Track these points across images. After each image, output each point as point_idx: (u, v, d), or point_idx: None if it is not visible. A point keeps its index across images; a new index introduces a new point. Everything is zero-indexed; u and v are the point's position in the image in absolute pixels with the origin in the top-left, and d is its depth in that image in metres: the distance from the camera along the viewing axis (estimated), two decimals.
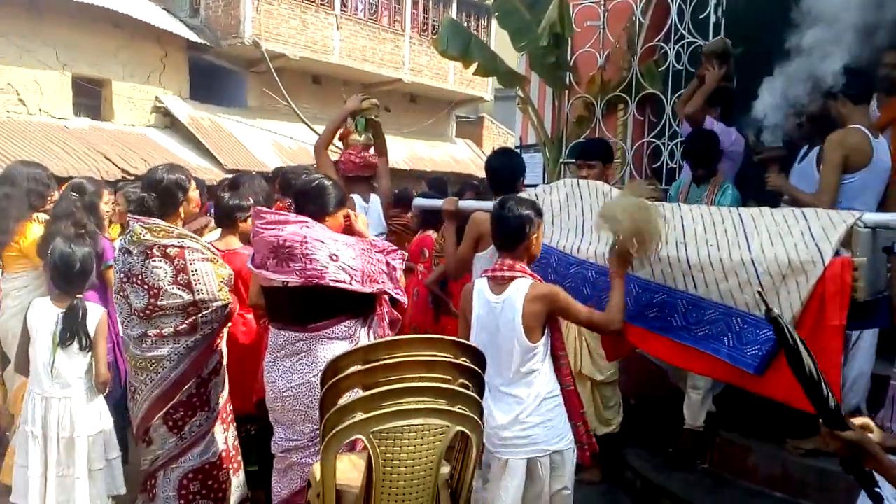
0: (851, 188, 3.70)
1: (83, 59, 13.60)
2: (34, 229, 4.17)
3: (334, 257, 2.97)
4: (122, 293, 3.33)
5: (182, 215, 3.47)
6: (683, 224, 3.04)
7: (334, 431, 2.41)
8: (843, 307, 2.48)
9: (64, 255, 3.59)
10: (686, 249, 2.94)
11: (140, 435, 3.39)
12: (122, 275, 3.31)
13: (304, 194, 3.24)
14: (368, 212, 4.21)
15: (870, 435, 1.78)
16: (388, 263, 3.14)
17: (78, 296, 3.61)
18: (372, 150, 4.54)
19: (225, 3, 15.55)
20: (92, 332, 3.58)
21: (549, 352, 2.95)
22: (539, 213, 3.02)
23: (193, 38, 15.00)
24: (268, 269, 3.01)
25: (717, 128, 4.51)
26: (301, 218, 3.09)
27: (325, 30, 17.04)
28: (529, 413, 2.86)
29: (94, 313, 3.63)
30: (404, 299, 3.32)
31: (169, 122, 14.92)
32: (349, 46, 17.58)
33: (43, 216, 4.27)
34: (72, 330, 3.51)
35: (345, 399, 2.55)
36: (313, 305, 3.05)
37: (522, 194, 3.77)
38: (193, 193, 3.51)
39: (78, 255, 3.60)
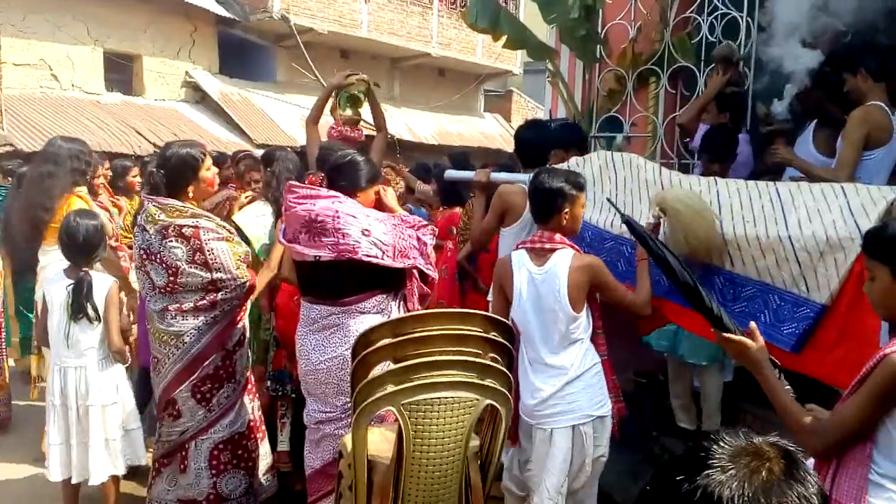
0: (871, 164, 3.66)
1: (114, 34, 13.70)
2: (76, 203, 4.23)
3: (366, 232, 3.00)
4: (143, 269, 3.35)
5: (191, 195, 3.37)
6: (720, 199, 2.99)
7: (365, 403, 2.43)
8: None
9: (69, 228, 3.58)
10: (722, 225, 2.90)
11: (163, 406, 3.42)
12: (141, 251, 3.33)
13: (337, 169, 3.27)
14: None
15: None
16: (418, 238, 3.17)
17: (85, 268, 3.59)
18: (366, 125, 4.74)
19: None
20: (101, 304, 3.57)
21: (591, 322, 3.00)
22: (577, 186, 3.01)
23: (222, 12, 15.01)
24: (300, 244, 3.06)
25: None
26: (333, 193, 3.13)
27: (353, 3, 16.96)
28: (573, 381, 2.91)
29: (103, 284, 3.60)
30: (434, 274, 3.34)
31: (199, 96, 15.01)
32: (377, 20, 17.49)
33: (83, 190, 4.35)
34: (79, 302, 3.51)
35: (375, 372, 2.57)
36: (345, 280, 3.08)
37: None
38: (206, 173, 3.40)
39: (82, 228, 3.56)
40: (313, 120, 4.59)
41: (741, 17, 4.90)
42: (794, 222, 2.67)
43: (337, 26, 16.48)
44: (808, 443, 1.97)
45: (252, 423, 3.59)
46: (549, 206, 2.98)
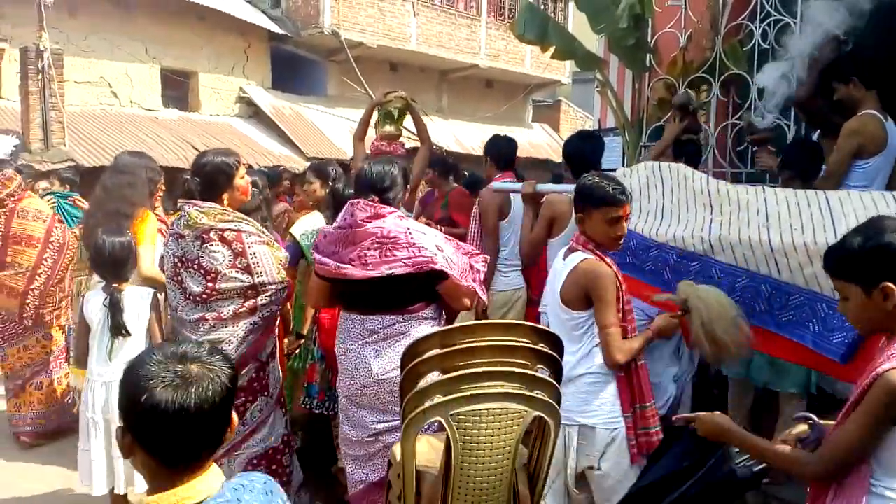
0: (868, 172, 3.75)
1: (170, 52, 14.10)
2: (151, 219, 4.27)
3: (439, 248, 3.06)
4: (176, 278, 3.29)
5: (226, 202, 3.35)
6: (767, 207, 2.97)
7: (414, 414, 2.46)
8: None
9: (96, 245, 3.63)
10: (769, 233, 2.87)
11: None
12: (175, 259, 3.28)
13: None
14: None
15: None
16: (471, 266, 3.19)
17: (115, 285, 3.61)
18: (407, 139, 5.02)
19: None
20: (142, 316, 3.58)
21: (594, 329, 2.92)
22: (606, 197, 2.87)
23: (275, 29, 15.33)
24: (366, 261, 3.01)
25: None
26: (391, 209, 3.12)
27: (402, 17, 17.14)
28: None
29: (141, 297, 3.64)
30: (485, 298, 3.42)
31: (252, 111, 15.32)
32: (426, 33, 17.63)
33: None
34: (116, 319, 3.53)
35: (424, 383, 2.60)
36: (408, 291, 3.10)
37: None
38: (240, 181, 3.40)
39: (108, 245, 3.59)
40: (359, 137, 4.87)
41: (794, 23, 4.83)
42: (843, 230, 2.62)
43: (386, 40, 16.67)
44: (807, 472, 1.99)
45: (285, 437, 3.51)
46: (574, 211, 2.99)
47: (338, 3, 15.70)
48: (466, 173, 8.15)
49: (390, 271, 2.99)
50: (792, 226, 2.82)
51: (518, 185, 4.24)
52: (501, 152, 4.89)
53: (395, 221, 3.07)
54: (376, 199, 3.11)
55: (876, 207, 2.63)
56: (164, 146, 12.59)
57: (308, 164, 7.88)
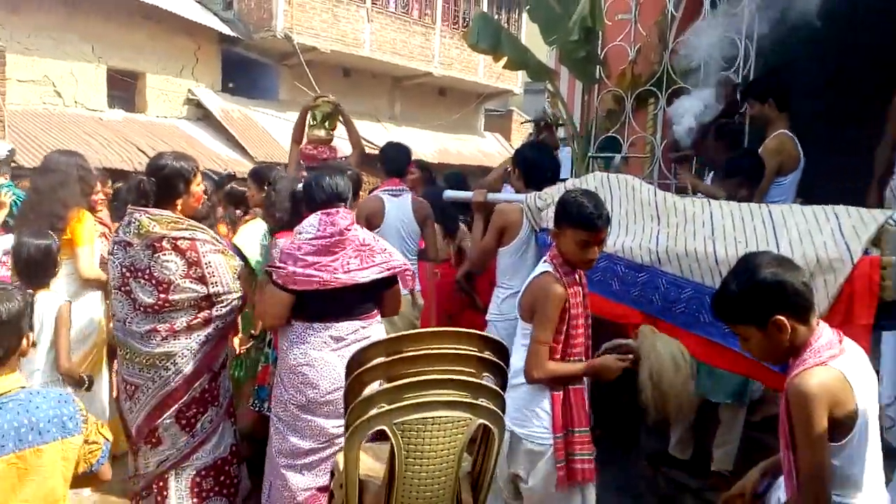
0: (784, 187, 4.10)
1: (118, 51, 13.79)
2: (88, 218, 4.14)
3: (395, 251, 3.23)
4: (123, 288, 3.16)
5: (179, 208, 3.26)
6: (713, 220, 3.02)
7: (358, 422, 2.43)
8: (871, 306, 2.45)
9: (15, 246, 3.50)
10: (714, 245, 2.92)
11: (142, 436, 3.22)
12: (123, 269, 3.15)
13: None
14: None
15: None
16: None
17: (31, 289, 3.39)
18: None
19: None
20: (51, 324, 3.43)
21: None
22: (581, 218, 2.74)
23: (226, 31, 15.13)
24: (348, 271, 3.08)
25: None
26: (346, 214, 3.21)
27: (356, 23, 17.09)
28: (508, 389, 2.78)
29: (52, 305, 3.48)
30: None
31: (201, 114, 15.08)
32: (380, 39, 17.61)
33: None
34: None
35: (369, 391, 2.57)
36: (369, 296, 3.22)
37: (550, 188, 3.77)
38: (196, 188, 3.33)
39: (26, 248, 3.46)
40: (294, 140, 5.00)
41: (739, 40, 4.95)
42: (785, 244, 2.69)
43: (340, 45, 16.60)
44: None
45: (233, 448, 3.43)
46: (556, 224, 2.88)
47: (291, 6, 15.58)
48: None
49: (377, 276, 3.13)
50: (736, 239, 2.87)
51: (469, 194, 4.24)
52: (391, 158, 4.92)
53: (362, 229, 3.23)
54: (343, 206, 3.18)
55: (817, 221, 2.70)
56: (108, 147, 12.29)
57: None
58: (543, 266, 2.87)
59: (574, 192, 2.86)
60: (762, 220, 2.88)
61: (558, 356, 2.81)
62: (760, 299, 1.99)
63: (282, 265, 3.06)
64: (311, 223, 3.13)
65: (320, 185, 3.22)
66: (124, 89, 14.31)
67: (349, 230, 3.10)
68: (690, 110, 4.83)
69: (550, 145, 4.83)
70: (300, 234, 3.13)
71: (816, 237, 2.63)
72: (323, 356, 3.12)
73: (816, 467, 1.90)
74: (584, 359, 2.86)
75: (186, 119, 14.93)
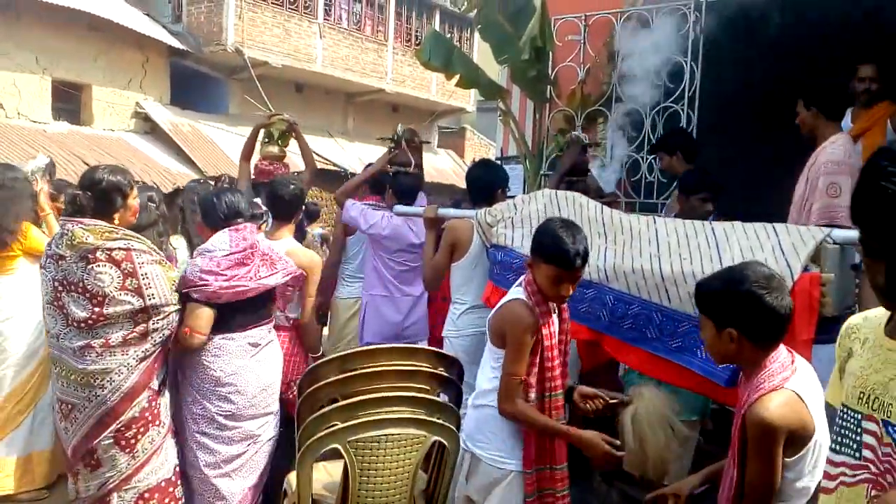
0: None
1: (63, 63, 13.49)
2: (33, 231, 4.12)
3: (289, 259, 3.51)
4: (56, 303, 3.07)
5: (116, 221, 3.23)
6: (658, 237, 3.09)
7: (311, 441, 2.42)
8: (811, 322, 2.53)
9: None
10: (660, 262, 2.98)
11: (78, 457, 3.12)
12: (55, 283, 3.07)
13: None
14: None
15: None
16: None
17: None
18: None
19: (207, 10, 15.50)
20: None
21: None
22: (536, 248, 2.69)
23: (175, 43, 14.92)
24: (260, 278, 3.31)
25: None
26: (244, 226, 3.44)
27: (308, 38, 17.04)
28: (472, 404, 2.78)
29: None
30: None
31: (149, 127, 14.82)
32: (332, 55, 17.59)
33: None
34: None
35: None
36: (267, 300, 3.46)
37: (500, 204, 3.81)
38: (133, 201, 3.32)
39: None
40: (244, 157, 5.00)
41: (685, 62, 5.10)
42: (728, 260, 2.76)
43: (291, 60, 16.52)
44: None
45: (177, 469, 3.32)
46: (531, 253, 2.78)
47: (241, 21, 15.47)
48: None
49: (282, 280, 3.41)
50: (681, 255, 2.94)
51: (420, 210, 4.27)
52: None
53: (262, 239, 3.51)
54: (243, 221, 3.42)
55: (758, 238, 2.78)
56: (55, 161, 11.99)
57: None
58: (515, 291, 2.74)
59: (554, 221, 2.73)
60: (706, 236, 2.96)
61: (534, 391, 2.67)
62: (727, 305, 2.09)
63: (204, 282, 3.16)
64: (223, 240, 3.28)
65: (221, 203, 3.41)
66: (69, 101, 13.98)
67: (257, 242, 3.37)
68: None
69: (405, 164, 4.85)
70: (212, 251, 3.24)
71: (758, 254, 2.71)
72: (245, 363, 3.31)
73: (765, 486, 1.98)
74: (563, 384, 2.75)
75: (134, 132, 14.65)
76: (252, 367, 3.32)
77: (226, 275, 3.19)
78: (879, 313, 1.59)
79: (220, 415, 3.27)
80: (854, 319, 1.70)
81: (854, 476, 1.54)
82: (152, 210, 4.00)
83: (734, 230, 2.89)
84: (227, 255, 3.22)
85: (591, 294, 3.17)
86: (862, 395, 1.54)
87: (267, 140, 5.07)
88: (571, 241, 2.58)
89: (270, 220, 4.16)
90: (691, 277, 2.84)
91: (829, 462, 1.64)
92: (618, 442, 2.60)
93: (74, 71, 13.72)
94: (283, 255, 3.55)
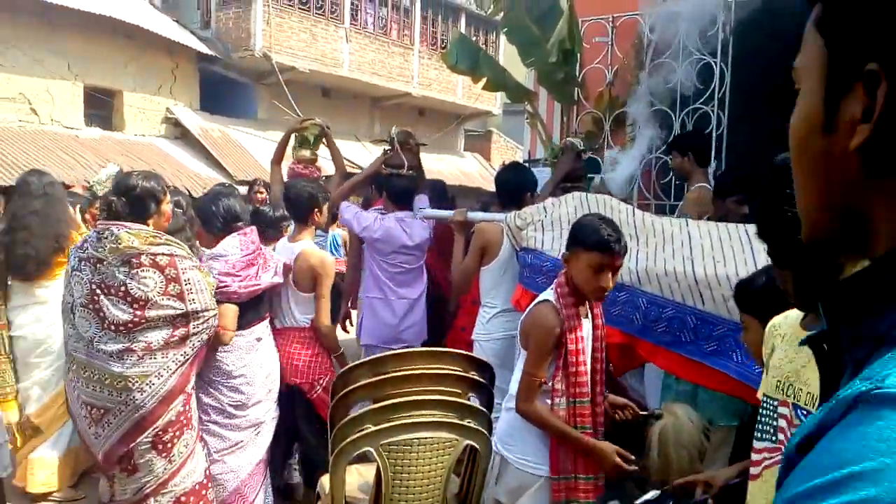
0: None
1: (95, 69, 13.72)
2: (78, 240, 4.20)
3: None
4: (91, 306, 3.05)
5: (150, 226, 3.23)
6: (691, 240, 3.06)
7: (344, 443, 2.43)
8: None
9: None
10: (693, 265, 2.96)
11: (112, 462, 3.12)
12: (92, 286, 3.05)
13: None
14: None
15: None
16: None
17: None
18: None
19: (236, 16, 15.69)
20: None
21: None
22: (574, 240, 2.67)
23: (204, 49, 15.11)
24: (266, 277, 3.56)
25: None
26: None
27: (334, 43, 17.16)
28: (504, 407, 2.76)
29: None
30: None
31: (179, 132, 15.02)
32: (358, 60, 17.68)
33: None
34: None
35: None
36: (265, 298, 3.67)
37: (529, 207, 3.81)
38: (166, 207, 3.34)
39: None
40: (276, 161, 5.09)
41: (714, 63, 5.05)
42: (762, 261, 2.73)
43: (318, 65, 16.64)
44: None
45: (208, 472, 3.36)
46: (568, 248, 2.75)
47: (269, 26, 15.61)
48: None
49: (279, 279, 3.64)
50: (714, 258, 2.91)
51: (449, 213, 4.27)
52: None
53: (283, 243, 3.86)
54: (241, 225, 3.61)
55: None
56: (84, 166, 12.18)
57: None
58: (545, 294, 2.72)
59: (591, 215, 2.74)
60: (739, 239, 2.93)
61: (562, 397, 2.62)
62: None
63: (224, 284, 3.34)
64: (233, 244, 3.45)
65: (220, 209, 3.56)
66: (101, 107, 14.22)
67: (260, 245, 3.60)
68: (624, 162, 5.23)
69: (398, 166, 4.83)
70: (224, 255, 3.41)
71: None
72: (252, 357, 3.53)
73: None
74: (597, 391, 2.70)
75: (164, 137, 14.85)
76: (257, 359, 3.56)
77: (240, 276, 3.39)
78: (798, 313, 1.77)
79: (231, 405, 3.48)
80: (776, 319, 1.86)
81: (771, 458, 1.69)
82: (179, 215, 4.05)
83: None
84: (241, 257, 3.43)
85: (623, 297, 3.15)
86: (779, 383, 1.72)
87: (300, 144, 5.13)
88: (612, 230, 2.58)
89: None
90: (726, 280, 2.81)
91: (753, 450, 1.77)
92: (631, 456, 2.57)
93: (106, 77, 13.95)
94: (298, 255, 3.77)
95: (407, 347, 4.19)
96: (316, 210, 3.94)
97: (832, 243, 0.70)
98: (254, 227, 3.67)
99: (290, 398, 3.80)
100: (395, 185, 4.62)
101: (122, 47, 13.96)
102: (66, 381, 3.30)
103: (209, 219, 3.57)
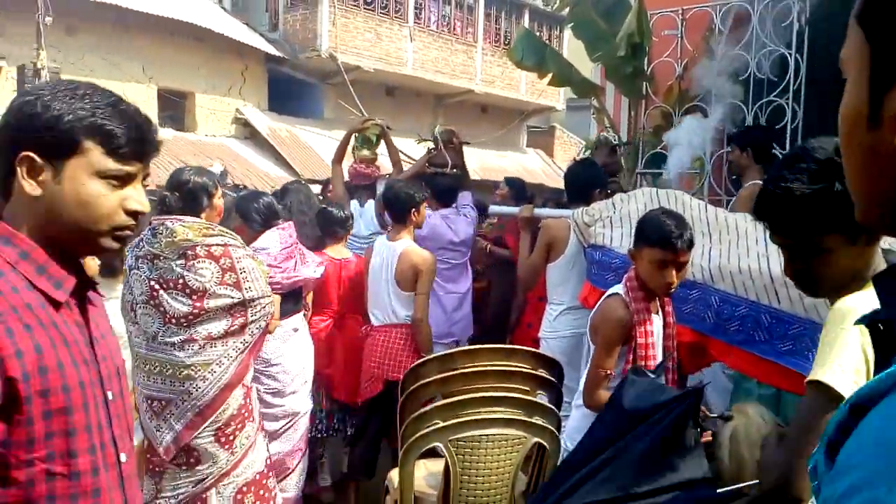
0: None
1: (168, 72, 14.14)
2: None
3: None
4: (152, 302, 3.09)
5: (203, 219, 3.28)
6: (766, 236, 2.98)
7: (413, 438, 2.45)
8: None
9: None
10: (769, 262, 2.88)
11: (171, 454, 3.11)
12: (150, 282, 3.08)
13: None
14: (363, 214, 4.95)
15: None
16: None
17: None
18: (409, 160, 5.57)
19: (303, 18, 15.94)
20: None
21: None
22: (639, 235, 2.68)
23: (272, 51, 15.41)
24: (303, 269, 3.80)
25: None
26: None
27: (398, 42, 17.27)
28: (574, 404, 2.77)
29: None
30: None
31: (248, 132, 15.35)
32: (422, 58, 17.76)
33: None
34: None
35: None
36: (301, 292, 3.93)
37: (597, 203, 3.76)
38: (218, 201, 3.37)
39: None
40: (337, 160, 5.23)
41: (790, 55, 4.90)
42: None
43: (383, 64, 16.78)
44: None
45: (268, 461, 3.41)
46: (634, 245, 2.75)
47: (335, 27, 15.81)
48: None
49: (317, 272, 3.90)
50: None
51: (515, 209, 4.26)
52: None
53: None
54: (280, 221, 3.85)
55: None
56: (159, 166, 12.53)
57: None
58: (615, 287, 2.74)
59: (656, 210, 2.73)
60: None
61: None
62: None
63: (269, 276, 3.47)
64: (273, 238, 3.69)
65: (260, 206, 3.82)
66: (174, 109, 14.65)
67: (296, 240, 3.79)
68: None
69: (442, 165, 4.87)
70: (266, 248, 3.64)
71: None
72: (288, 347, 3.77)
73: None
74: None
75: (234, 137, 15.21)
76: (293, 349, 3.79)
77: (282, 267, 3.62)
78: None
79: (268, 392, 3.71)
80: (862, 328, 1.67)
81: None
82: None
83: None
84: (280, 250, 3.65)
85: (695, 295, 3.09)
86: None
87: (361, 144, 5.23)
88: (675, 225, 2.57)
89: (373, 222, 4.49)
90: None
91: None
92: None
93: (179, 79, 14.37)
94: (400, 254, 3.93)
95: (455, 342, 4.27)
96: (413, 210, 4.04)
97: (884, 227, 0.71)
98: (291, 223, 3.90)
99: (387, 395, 3.82)
100: (439, 184, 4.70)
101: (193, 50, 14.36)
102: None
103: (249, 215, 3.83)
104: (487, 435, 2.46)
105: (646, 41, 5.47)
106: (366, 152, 5.24)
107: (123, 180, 1.36)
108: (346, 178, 5.31)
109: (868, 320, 0.75)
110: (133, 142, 1.38)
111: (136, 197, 1.38)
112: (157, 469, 3.15)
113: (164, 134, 13.96)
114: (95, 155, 1.31)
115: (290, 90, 16.26)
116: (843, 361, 1.44)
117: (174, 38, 13.92)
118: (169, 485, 3.11)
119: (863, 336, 1.48)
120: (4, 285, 1.21)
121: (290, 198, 4.49)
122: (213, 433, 3.08)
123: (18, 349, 1.17)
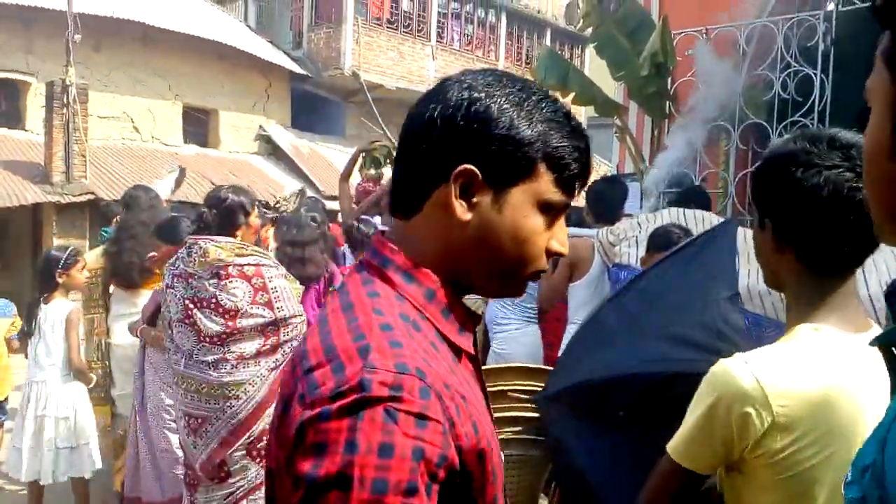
0: None
1: (193, 89, 14.33)
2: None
3: None
4: (187, 320, 3.11)
5: (239, 238, 3.31)
6: None
7: None
8: None
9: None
10: None
11: (207, 470, 3.12)
12: (185, 301, 3.11)
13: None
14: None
15: None
16: None
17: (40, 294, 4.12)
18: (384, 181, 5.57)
19: (326, 36, 16.10)
20: (61, 326, 4.00)
21: None
22: (648, 246, 2.86)
23: (296, 69, 15.58)
24: None
25: None
26: None
27: (421, 60, 17.39)
28: None
29: (62, 309, 4.06)
30: None
31: (271, 149, 15.49)
32: (444, 76, 17.84)
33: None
34: (29, 324, 4.09)
35: None
36: None
37: (622, 222, 3.73)
38: (254, 220, 3.41)
39: (42, 258, 4.24)
40: (344, 178, 5.36)
41: (815, 75, 4.87)
42: (874, 282, 2.60)
43: (405, 82, 16.88)
44: None
45: None
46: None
47: (358, 45, 15.95)
48: None
49: None
50: None
51: None
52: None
53: None
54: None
55: (892, 251, 2.60)
56: (184, 182, 12.70)
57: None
58: None
59: (668, 224, 2.88)
60: None
61: None
62: None
63: None
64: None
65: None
66: (198, 125, 14.82)
67: None
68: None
69: None
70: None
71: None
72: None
73: None
74: None
75: (258, 154, 15.35)
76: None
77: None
78: None
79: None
80: None
81: None
82: (313, 228, 4.28)
83: (881, 250, 2.71)
84: None
85: None
86: None
87: (369, 163, 5.56)
88: (683, 234, 2.74)
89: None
90: None
91: None
92: None
93: (203, 97, 14.55)
94: None
95: None
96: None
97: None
98: None
99: None
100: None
101: (218, 68, 14.54)
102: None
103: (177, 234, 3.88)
104: (506, 455, 2.43)
105: (669, 61, 5.46)
106: (371, 171, 5.53)
107: (556, 215, 1.03)
108: (353, 195, 5.53)
109: (881, 342, 0.79)
110: (584, 169, 1.05)
111: (562, 238, 1.04)
112: (192, 483, 3.18)
113: (189, 150, 14.13)
114: (545, 182, 0.99)
115: (312, 108, 16.40)
116: (697, 436, 1.33)
117: (199, 55, 14.11)
118: (202, 497, 3.13)
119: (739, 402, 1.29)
120: (425, 341, 0.92)
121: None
122: (244, 449, 3.08)
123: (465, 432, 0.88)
